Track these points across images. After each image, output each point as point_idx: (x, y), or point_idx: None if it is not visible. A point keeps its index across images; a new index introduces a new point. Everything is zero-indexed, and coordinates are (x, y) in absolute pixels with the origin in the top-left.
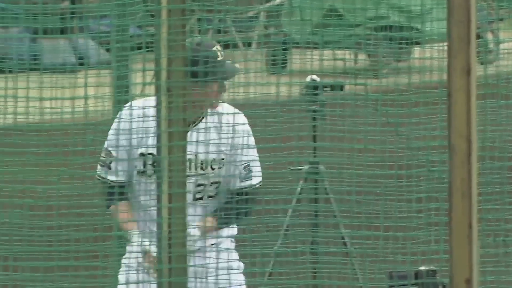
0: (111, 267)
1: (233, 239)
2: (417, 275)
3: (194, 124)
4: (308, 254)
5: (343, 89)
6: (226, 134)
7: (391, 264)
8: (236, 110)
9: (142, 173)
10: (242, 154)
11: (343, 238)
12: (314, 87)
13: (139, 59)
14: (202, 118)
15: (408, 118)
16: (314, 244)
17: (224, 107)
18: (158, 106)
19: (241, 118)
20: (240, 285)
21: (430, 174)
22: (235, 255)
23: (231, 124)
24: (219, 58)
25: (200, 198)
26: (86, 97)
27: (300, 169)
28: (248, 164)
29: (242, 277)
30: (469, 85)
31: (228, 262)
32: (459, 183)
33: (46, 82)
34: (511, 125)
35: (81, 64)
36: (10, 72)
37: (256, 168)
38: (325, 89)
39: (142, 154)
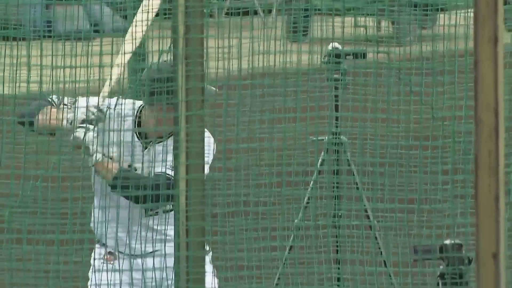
0: None
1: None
2: (442, 249)
3: (157, 141)
4: (330, 227)
5: (366, 57)
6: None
7: (416, 237)
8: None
9: None
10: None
11: (366, 211)
12: (336, 55)
13: (156, 26)
14: (168, 137)
15: (432, 87)
16: (335, 217)
17: None
18: (175, 75)
19: (209, 139)
20: None
21: (455, 145)
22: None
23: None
24: None
25: (156, 214)
26: (101, 66)
27: (322, 139)
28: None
29: None
30: (496, 55)
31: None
32: (486, 157)
33: (60, 49)
34: None
35: (96, 31)
36: (23, 39)
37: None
38: (347, 57)
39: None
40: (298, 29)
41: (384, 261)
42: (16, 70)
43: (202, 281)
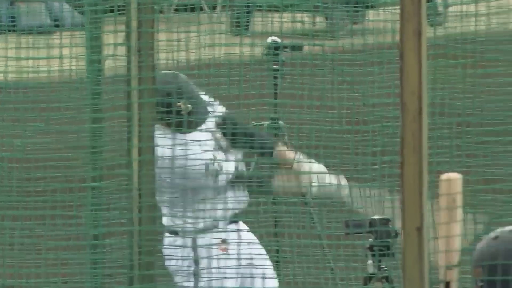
0: (85, 216)
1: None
2: (371, 223)
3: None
4: (270, 204)
5: (302, 50)
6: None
7: (347, 213)
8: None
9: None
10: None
11: None
12: (275, 48)
13: (111, 21)
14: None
15: (363, 77)
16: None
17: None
18: (128, 65)
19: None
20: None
21: (384, 129)
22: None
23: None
24: (183, 112)
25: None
26: (61, 57)
27: (262, 124)
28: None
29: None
30: (420, 46)
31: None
32: (410, 138)
33: (23, 42)
34: (459, 83)
35: (56, 26)
36: None
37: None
38: (285, 49)
39: None
40: (241, 24)
41: (319, 235)
42: None
43: (153, 253)
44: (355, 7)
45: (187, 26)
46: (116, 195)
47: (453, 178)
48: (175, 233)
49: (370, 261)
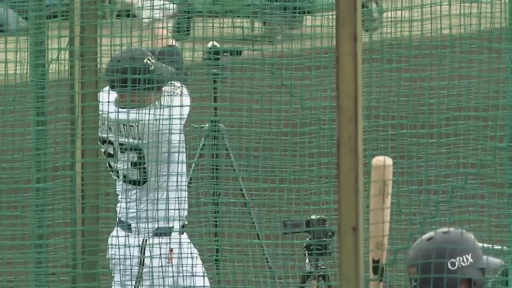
0: (30, 216)
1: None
2: (308, 223)
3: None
4: (210, 204)
5: (241, 54)
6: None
7: (285, 213)
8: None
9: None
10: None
11: (241, 190)
12: (215, 53)
13: (54, 26)
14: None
15: (301, 81)
16: (215, 195)
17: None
18: (71, 70)
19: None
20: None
21: (321, 132)
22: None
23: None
24: (151, 68)
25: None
26: (6, 62)
27: (202, 127)
28: None
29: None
30: (355, 50)
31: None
32: (346, 140)
33: None
34: (394, 86)
35: (1, 31)
36: None
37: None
38: (225, 54)
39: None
40: (181, 29)
41: (258, 234)
42: None
43: (96, 252)
44: (293, 13)
45: (129, 32)
46: (60, 196)
47: (383, 164)
48: (128, 228)
49: (307, 260)
